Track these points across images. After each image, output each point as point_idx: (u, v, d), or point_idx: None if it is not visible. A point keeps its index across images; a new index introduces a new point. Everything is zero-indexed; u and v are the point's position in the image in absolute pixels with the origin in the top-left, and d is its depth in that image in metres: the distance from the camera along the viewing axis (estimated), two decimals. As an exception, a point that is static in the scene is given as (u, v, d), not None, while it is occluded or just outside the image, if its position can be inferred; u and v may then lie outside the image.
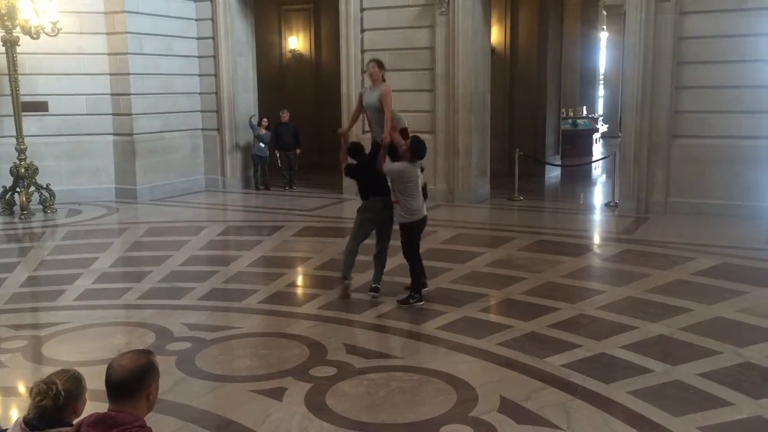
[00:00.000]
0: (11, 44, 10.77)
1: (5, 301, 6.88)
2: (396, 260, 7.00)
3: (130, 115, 12.55)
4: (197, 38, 13.86)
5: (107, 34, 12.38)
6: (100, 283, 7.49)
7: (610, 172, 13.23)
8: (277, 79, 17.49)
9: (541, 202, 12.84)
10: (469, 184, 11.97)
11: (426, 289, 6.71)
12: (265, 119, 13.98)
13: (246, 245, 9.25)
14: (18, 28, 10.69)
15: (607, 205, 11.60)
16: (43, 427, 2.54)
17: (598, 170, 16.53)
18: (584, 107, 22.06)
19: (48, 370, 3.32)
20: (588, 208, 12.55)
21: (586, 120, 20.65)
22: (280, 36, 18.12)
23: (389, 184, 6.53)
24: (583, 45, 21.61)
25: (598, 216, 11.46)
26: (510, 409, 4.33)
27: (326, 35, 17.17)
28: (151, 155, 12.95)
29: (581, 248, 8.89)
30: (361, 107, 7.14)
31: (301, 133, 14.27)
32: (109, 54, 12.44)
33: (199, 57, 13.90)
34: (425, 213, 6.62)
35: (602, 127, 23.17)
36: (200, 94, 14.01)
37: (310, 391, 4.64)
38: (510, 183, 12.77)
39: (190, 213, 11.81)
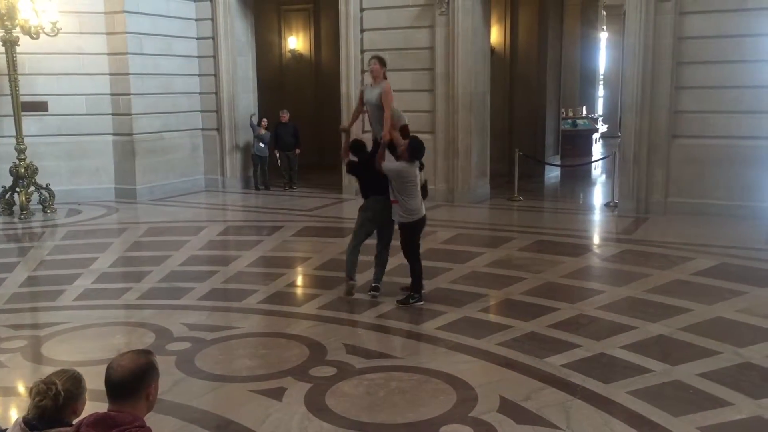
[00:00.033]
0: (11, 44, 10.77)
1: (5, 301, 6.88)
2: (396, 260, 7.00)
3: (129, 115, 12.55)
4: (197, 38, 13.86)
5: (107, 34, 12.38)
6: (99, 283, 7.49)
7: (609, 172, 13.24)
8: (276, 79, 17.49)
9: (540, 202, 12.84)
10: (468, 185, 11.97)
11: (422, 290, 6.70)
12: (264, 119, 13.98)
13: (246, 245, 9.25)
14: (18, 28, 10.69)
15: (606, 205, 11.60)
16: (42, 427, 2.54)
17: (597, 170, 16.54)
18: (584, 107, 22.06)
19: (47, 370, 3.33)
20: (588, 209, 12.55)
21: (585, 120, 20.66)
22: (280, 36, 18.12)
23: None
24: (582, 45, 21.61)
25: (597, 216, 11.46)
26: (510, 409, 4.33)
27: (326, 35, 17.18)
28: (151, 155, 12.95)
29: (581, 248, 8.89)
30: (362, 104, 7.12)
31: (301, 133, 14.26)
32: (108, 54, 12.44)
33: (198, 57, 13.90)
34: (424, 213, 6.61)
35: (602, 128, 23.18)
36: (200, 94, 14.01)
37: (309, 391, 4.64)
38: (510, 183, 12.77)
39: (190, 213, 11.81)
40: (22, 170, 11.11)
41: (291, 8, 17.96)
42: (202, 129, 14.12)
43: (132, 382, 2.43)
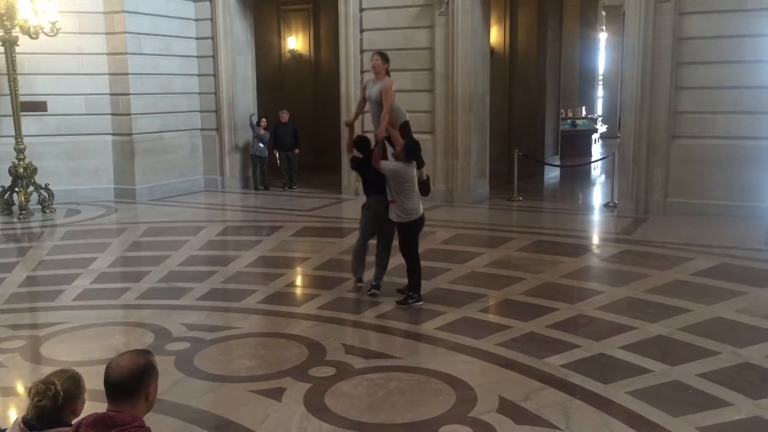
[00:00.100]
0: (10, 44, 10.77)
1: (4, 301, 6.87)
2: (397, 260, 6.99)
3: (129, 115, 12.54)
4: (196, 38, 13.85)
5: (106, 34, 12.37)
6: (98, 283, 7.48)
7: (609, 172, 13.23)
8: (276, 79, 17.48)
9: (540, 202, 12.84)
10: (468, 185, 11.97)
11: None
12: (264, 119, 13.98)
13: (245, 245, 9.24)
14: (17, 28, 10.69)
15: (606, 205, 11.60)
16: (41, 428, 2.54)
17: (597, 171, 16.54)
18: (583, 108, 22.07)
19: (47, 370, 3.32)
20: (587, 209, 12.54)
21: (585, 120, 20.66)
22: (280, 36, 18.11)
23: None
24: (582, 45, 21.61)
25: (597, 216, 11.46)
26: (509, 409, 4.33)
27: (325, 35, 17.17)
28: (150, 155, 12.94)
29: (580, 248, 8.89)
30: (364, 99, 7.10)
31: (300, 133, 14.26)
32: (108, 54, 12.43)
33: (198, 57, 13.90)
34: (422, 213, 6.60)
35: (601, 128, 23.17)
36: (199, 94, 14.00)
37: (309, 391, 4.64)
38: (509, 183, 12.77)
39: (189, 213, 11.81)
40: (21, 170, 11.11)
41: (290, 8, 17.95)
42: (202, 129, 14.11)
43: (131, 382, 2.42)
